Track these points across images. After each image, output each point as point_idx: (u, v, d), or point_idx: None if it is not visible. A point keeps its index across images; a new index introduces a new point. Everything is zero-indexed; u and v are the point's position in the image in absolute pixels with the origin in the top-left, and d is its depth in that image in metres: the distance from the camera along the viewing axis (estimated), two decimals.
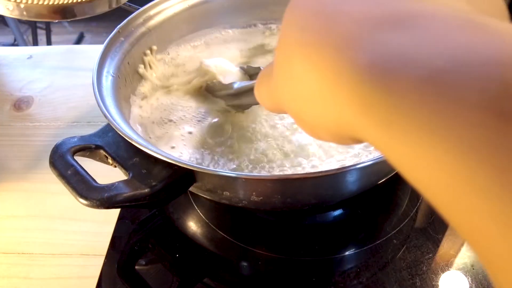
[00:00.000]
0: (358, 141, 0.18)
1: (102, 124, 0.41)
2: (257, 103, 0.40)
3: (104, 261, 0.44)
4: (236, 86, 0.46)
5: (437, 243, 0.43)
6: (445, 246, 0.43)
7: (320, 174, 0.35)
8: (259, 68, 0.50)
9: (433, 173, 0.14)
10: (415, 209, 0.47)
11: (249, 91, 0.43)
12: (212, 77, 0.50)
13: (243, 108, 0.48)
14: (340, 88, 0.16)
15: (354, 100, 0.16)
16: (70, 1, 0.47)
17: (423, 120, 0.13)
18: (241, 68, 0.52)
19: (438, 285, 0.40)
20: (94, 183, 0.35)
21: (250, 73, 0.51)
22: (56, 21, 0.44)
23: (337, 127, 0.18)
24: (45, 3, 0.45)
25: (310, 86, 0.18)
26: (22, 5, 0.46)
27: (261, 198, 0.37)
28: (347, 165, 0.37)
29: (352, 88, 0.15)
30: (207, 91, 0.51)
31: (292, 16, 0.19)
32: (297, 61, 0.18)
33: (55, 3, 0.46)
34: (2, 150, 0.58)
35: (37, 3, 0.46)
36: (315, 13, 0.18)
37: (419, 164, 0.14)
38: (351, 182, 0.38)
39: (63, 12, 0.47)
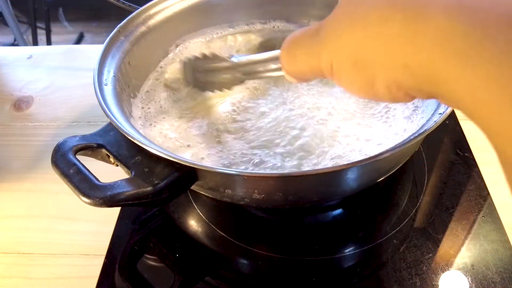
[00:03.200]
0: (418, 91, 0.21)
1: (102, 124, 0.41)
2: (265, 73, 0.40)
3: (104, 261, 0.44)
4: (238, 58, 0.43)
5: (437, 243, 0.43)
6: (445, 246, 0.43)
7: (321, 171, 0.35)
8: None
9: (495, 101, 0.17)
10: (415, 209, 0.47)
11: (260, 61, 0.39)
12: None
13: (233, 83, 0.45)
14: (424, 25, 0.19)
15: (436, 34, 0.18)
16: None
17: (500, 54, 0.16)
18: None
19: (438, 285, 0.40)
20: (96, 181, 0.35)
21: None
22: None
23: (406, 70, 0.20)
24: None
25: (388, 30, 0.20)
26: None
27: (263, 196, 0.37)
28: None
29: (437, 25, 0.18)
30: (185, 68, 0.50)
31: None
32: (376, 10, 0.21)
33: None
34: (2, 150, 0.58)
35: None
36: None
37: (486, 92, 0.17)
38: (353, 179, 0.38)
39: None
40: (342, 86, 0.25)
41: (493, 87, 0.17)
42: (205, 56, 0.47)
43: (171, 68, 0.55)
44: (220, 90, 0.48)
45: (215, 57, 0.46)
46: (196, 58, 0.48)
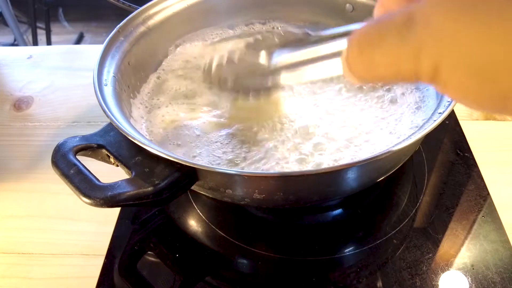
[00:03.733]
0: None
1: (102, 124, 0.41)
2: (312, 78, 0.32)
3: (104, 261, 0.44)
4: (282, 58, 0.35)
5: (437, 243, 0.43)
6: (445, 246, 0.43)
7: (322, 171, 0.35)
8: (305, 36, 0.35)
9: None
10: (414, 209, 0.47)
11: (304, 62, 0.32)
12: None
13: (270, 91, 0.38)
14: None
15: None
16: None
17: None
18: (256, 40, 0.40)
19: (438, 285, 0.40)
20: (97, 182, 0.35)
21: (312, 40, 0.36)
22: None
23: None
24: None
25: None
26: None
27: (264, 195, 0.37)
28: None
29: None
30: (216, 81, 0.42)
31: None
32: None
33: None
34: (2, 150, 0.58)
35: None
36: None
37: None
38: (353, 179, 0.38)
39: None
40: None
41: None
42: (229, 60, 0.40)
43: (171, 68, 0.55)
44: (256, 97, 0.40)
45: (243, 62, 0.39)
46: (217, 66, 0.41)
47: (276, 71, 0.35)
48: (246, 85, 0.39)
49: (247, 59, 0.39)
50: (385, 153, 0.34)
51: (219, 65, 0.41)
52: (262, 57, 0.37)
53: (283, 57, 0.34)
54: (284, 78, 0.34)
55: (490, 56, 0.16)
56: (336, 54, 0.29)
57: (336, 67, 0.29)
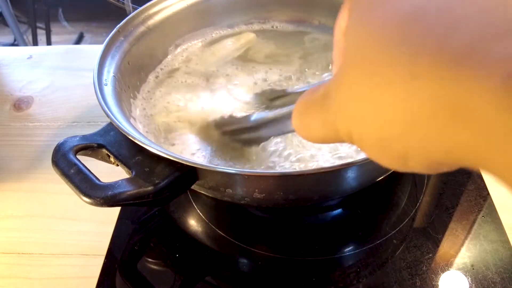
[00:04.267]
0: (460, 165, 0.16)
1: (102, 124, 0.41)
2: (282, 133, 0.40)
3: (104, 261, 0.44)
4: (254, 117, 0.43)
5: (437, 243, 0.43)
6: (445, 246, 0.43)
7: (322, 170, 0.35)
8: (283, 92, 0.46)
9: None
10: (414, 209, 0.47)
11: (275, 120, 0.40)
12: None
13: (258, 142, 0.44)
14: (464, 107, 0.13)
15: (483, 119, 0.13)
16: None
17: None
18: (256, 94, 0.49)
19: (438, 285, 0.40)
20: (97, 181, 0.35)
21: (270, 97, 0.47)
22: None
23: (447, 155, 0.15)
24: None
25: (414, 109, 0.15)
26: None
27: (264, 195, 0.37)
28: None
29: (484, 106, 0.13)
30: (216, 127, 0.47)
31: (373, 21, 0.16)
32: (395, 81, 0.15)
33: None
34: (2, 150, 0.58)
35: None
36: (414, 19, 0.15)
37: None
38: (353, 178, 0.38)
39: None
40: (366, 155, 0.20)
41: None
42: (222, 119, 0.46)
43: (171, 68, 0.55)
44: (250, 147, 0.45)
45: (232, 119, 0.46)
46: (216, 121, 0.47)
47: (255, 127, 0.43)
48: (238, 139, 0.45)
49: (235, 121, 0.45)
50: None
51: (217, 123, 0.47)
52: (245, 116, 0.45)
53: (256, 116, 0.43)
54: (262, 132, 0.42)
55: (388, 131, 0.17)
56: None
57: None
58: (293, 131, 0.35)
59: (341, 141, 0.21)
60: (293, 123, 0.24)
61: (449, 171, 0.18)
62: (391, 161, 0.18)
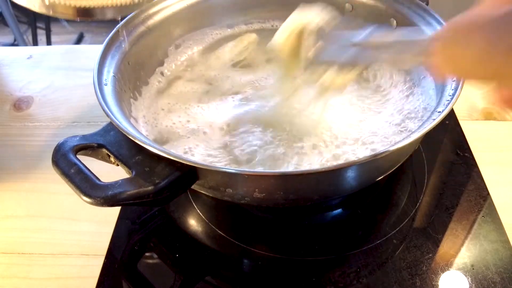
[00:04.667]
0: None
1: (102, 124, 0.41)
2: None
3: (104, 261, 0.44)
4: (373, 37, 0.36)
5: (437, 243, 0.43)
6: (445, 246, 0.43)
7: (321, 170, 0.35)
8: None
9: None
10: (414, 209, 0.47)
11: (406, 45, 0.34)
12: None
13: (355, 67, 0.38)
14: None
15: None
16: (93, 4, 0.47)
17: None
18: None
19: (438, 285, 0.40)
20: (97, 181, 0.35)
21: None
22: (78, 19, 0.45)
23: None
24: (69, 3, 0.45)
25: None
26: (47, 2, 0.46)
27: (264, 194, 0.37)
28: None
29: None
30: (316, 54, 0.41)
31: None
32: None
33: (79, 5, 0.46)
34: (2, 150, 0.58)
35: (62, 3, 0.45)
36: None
37: None
38: (353, 178, 0.38)
39: (85, 13, 0.46)
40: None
41: None
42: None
43: (171, 68, 0.55)
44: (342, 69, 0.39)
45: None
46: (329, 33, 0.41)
47: (363, 46, 0.36)
48: (334, 56, 0.39)
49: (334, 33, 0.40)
50: (384, 153, 0.34)
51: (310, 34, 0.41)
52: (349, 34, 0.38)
53: (373, 35, 0.36)
54: (369, 55, 0.36)
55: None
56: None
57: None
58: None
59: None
60: (435, 60, 0.27)
61: None
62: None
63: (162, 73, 0.55)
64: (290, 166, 0.42)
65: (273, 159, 0.43)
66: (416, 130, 0.37)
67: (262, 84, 0.53)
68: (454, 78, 0.37)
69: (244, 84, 0.54)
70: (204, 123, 0.48)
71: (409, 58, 0.34)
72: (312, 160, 0.43)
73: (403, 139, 0.36)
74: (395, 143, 0.35)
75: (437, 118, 0.36)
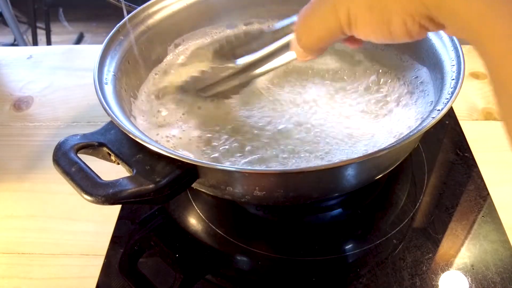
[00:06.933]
0: (430, 20, 0.24)
1: (102, 124, 0.41)
2: (274, 66, 0.43)
3: (104, 261, 0.44)
4: (244, 60, 0.45)
5: (437, 243, 0.43)
6: (445, 246, 0.43)
7: (321, 168, 0.35)
8: (259, 33, 0.46)
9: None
10: (414, 209, 0.47)
11: (269, 56, 0.43)
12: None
13: (236, 91, 0.47)
14: None
15: None
16: None
17: None
18: (215, 51, 0.49)
19: (438, 285, 0.40)
20: (98, 179, 0.35)
21: (236, 45, 0.48)
22: None
23: (419, 1, 0.23)
24: None
25: None
26: None
27: (264, 192, 0.37)
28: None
29: None
30: (195, 88, 0.49)
31: None
32: None
33: None
34: (2, 150, 0.58)
35: None
36: None
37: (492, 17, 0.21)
38: (352, 176, 0.38)
39: None
40: (360, 34, 0.28)
41: (500, 12, 0.20)
42: (203, 73, 0.48)
43: (171, 67, 0.55)
44: (227, 98, 0.49)
45: (215, 70, 0.47)
46: (194, 78, 0.49)
47: (245, 69, 0.45)
48: (223, 89, 0.48)
49: (217, 68, 0.47)
50: (384, 150, 0.34)
51: (196, 78, 0.49)
52: (230, 62, 0.46)
53: (246, 58, 0.44)
54: (253, 73, 0.45)
55: None
56: (286, 46, 0.39)
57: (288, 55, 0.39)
58: (283, 59, 0.41)
59: (339, 30, 0.28)
60: (296, 30, 0.31)
61: (425, 35, 0.26)
62: (377, 27, 0.26)
63: (160, 71, 0.55)
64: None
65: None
66: (416, 128, 0.37)
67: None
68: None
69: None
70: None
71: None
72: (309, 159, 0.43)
73: (403, 136, 0.36)
74: (395, 141, 0.35)
75: (437, 116, 0.36)
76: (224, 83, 0.47)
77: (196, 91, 0.49)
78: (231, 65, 0.46)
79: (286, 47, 0.40)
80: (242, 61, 0.45)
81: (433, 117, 0.37)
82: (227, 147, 0.45)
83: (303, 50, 0.33)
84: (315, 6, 0.29)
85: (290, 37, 0.39)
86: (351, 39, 0.32)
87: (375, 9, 0.25)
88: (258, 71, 0.45)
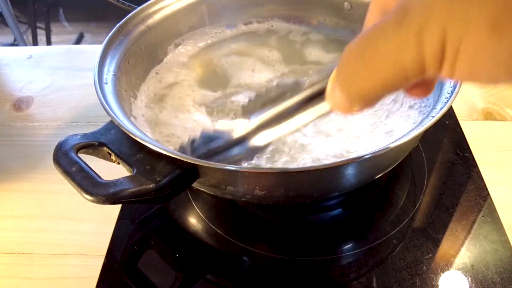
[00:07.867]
0: None
1: (102, 124, 0.41)
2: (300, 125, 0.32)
3: (104, 261, 0.44)
4: (254, 119, 0.34)
5: (437, 243, 0.43)
6: (445, 246, 0.43)
7: (322, 167, 0.35)
8: (294, 84, 0.33)
9: None
10: (414, 209, 0.47)
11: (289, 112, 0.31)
12: None
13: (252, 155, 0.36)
14: None
15: None
16: None
17: None
18: (249, 101, 0.37)
19: (438, 285, 0.40)
20: (99, 179, 0.35)
21: (274, 93, 0.35)
22: None
23: None
24: None
25: None
26: None
27: (264, 192, 0.37)
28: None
29: None
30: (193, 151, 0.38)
31: None
32: None
33: None
34: (2, 150, 0.58)
35: None
36: None
37: None
38: (352, 175, 0.38)
39: None
40: (461, 73, 0.17)
41: None
42: (207, 137, 0.38)
43: (171, 67, 0.55)
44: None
45: (219, 133, 0.37)
46: (194, 142, 0.38)
47: (252, 134, 0.36)
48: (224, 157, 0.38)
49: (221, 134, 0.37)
50: (384, 150, 0.34)
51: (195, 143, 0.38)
52: (235, 126, 0.37)
53: (258, 117, 0.35)
54: (263, 137, 0.35)
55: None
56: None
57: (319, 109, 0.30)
58: (323, 113, 0.29)
59: (420, 67, 0.18)
60: (341, 70, 0.20)
61: None
62: (509, 59, 0.15)
63: (160, 71, 0.55)
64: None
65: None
66: (415, 127, 0.37)
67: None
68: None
69: (245, 84, 0.54)
70: (203, 123, 0.48)
71: None
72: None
73: (402, 136, 0.36)
74: (394, 141, 0.35)
75: (436, 116, 0.36)
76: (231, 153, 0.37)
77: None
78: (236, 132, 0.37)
79: (314, 98, 0.30)
80: (255, 120, 0.35)
81: (433, 117, 0.37)
82: None
83: (349, 101, 0.22)
84: (379, 35, 0.18)
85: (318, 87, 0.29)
86: (423, 86, 0.22)
87: (506, 30, 0.15)
88: (272, 136, 0.35)
